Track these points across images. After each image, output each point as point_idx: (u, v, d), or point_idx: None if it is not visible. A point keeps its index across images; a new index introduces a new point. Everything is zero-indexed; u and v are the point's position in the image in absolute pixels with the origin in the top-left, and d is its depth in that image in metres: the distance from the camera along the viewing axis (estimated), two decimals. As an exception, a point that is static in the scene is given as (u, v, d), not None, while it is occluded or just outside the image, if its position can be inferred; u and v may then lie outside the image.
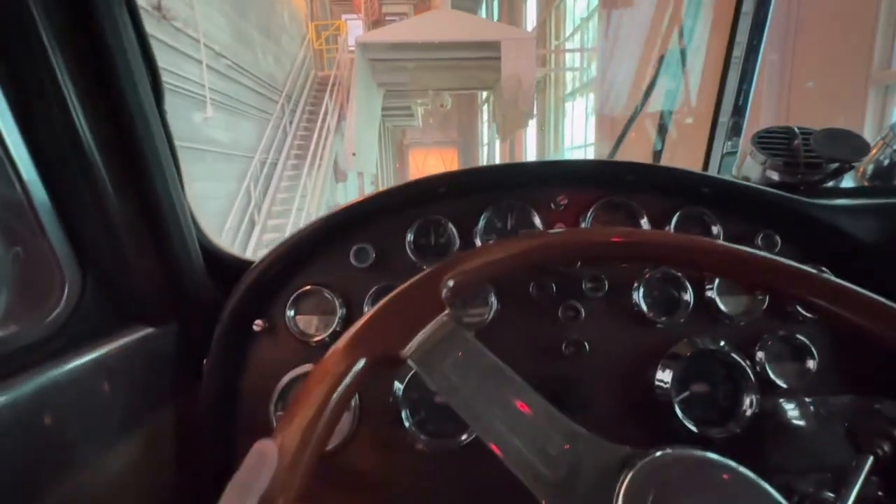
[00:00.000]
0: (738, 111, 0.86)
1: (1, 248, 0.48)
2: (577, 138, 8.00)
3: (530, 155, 10.25)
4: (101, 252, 0.49)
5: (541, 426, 0.31)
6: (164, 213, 0.51)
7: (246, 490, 0.24)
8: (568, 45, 8.43)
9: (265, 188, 5.84)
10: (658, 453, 0.29)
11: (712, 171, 0.93)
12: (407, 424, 0.57)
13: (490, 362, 0.33)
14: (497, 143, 13.06)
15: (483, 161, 14.35)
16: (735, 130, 0.87)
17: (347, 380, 0.29)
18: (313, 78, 8.06)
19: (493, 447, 0.30)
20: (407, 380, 0.58)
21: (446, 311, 0.34)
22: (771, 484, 0.27)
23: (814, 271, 0.36)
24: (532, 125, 9.11)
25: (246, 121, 5.64)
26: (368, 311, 0.33)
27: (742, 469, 0.28)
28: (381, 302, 0.33)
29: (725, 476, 0.28)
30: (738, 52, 0.84)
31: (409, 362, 0.32)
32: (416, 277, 0.35)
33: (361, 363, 0.30)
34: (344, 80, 7.30)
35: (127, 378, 0.50)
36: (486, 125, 14.25)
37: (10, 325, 0.47)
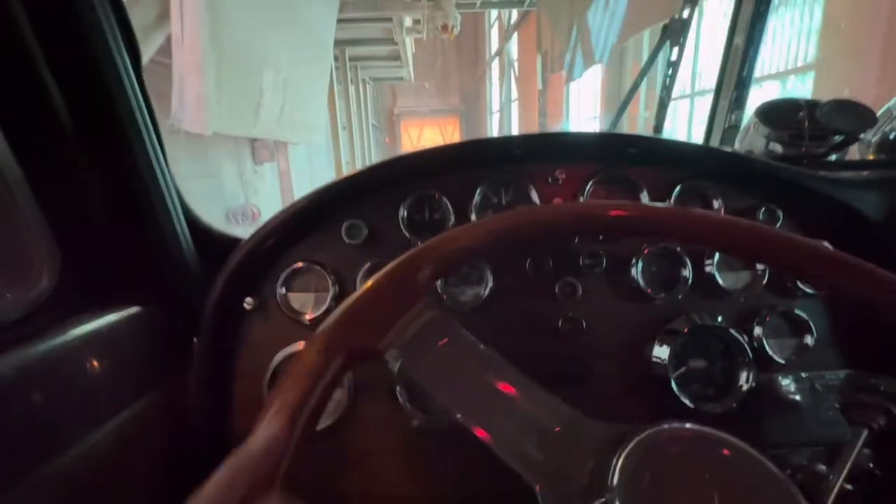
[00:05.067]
0: (742, 84, 0.97)
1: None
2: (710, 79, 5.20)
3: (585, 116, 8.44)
4: (82, 230, 0.59)
5: (530, 410, 0.36)
6: (147, 190, 0.62)
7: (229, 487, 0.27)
8: None
9: None
10: (651, 430, 0.34)
11: (714, 145, 1.05)
12: (402, 401, 0.70)
13: (474, 348, 0.39)
14: (514, 106, 12.60)
15: (493, 133, 14.39)
16: (738, 103, 0.98)
17: (326, 378, 0.33)
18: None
19: (482, 434, 0.35)
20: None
21: (425, 299, 0.39)
22: (766, 457, 0.33)
23: (813, 242, 0.41)
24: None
25: None
26: (344, 303, 0.36)
27: (738, 442, 0.34)
28: (357, 293, 0.37)
29: (722, 450, 0.34)
30: (743, 19, 0.96)
31: (389, 356, 0.36)
32: (391, 265, 0.39)
33: (339, 361, 0.34)
34: None
35: (114, 356, 0.60)
36: (495, 87, 14.19)
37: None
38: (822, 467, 0.67)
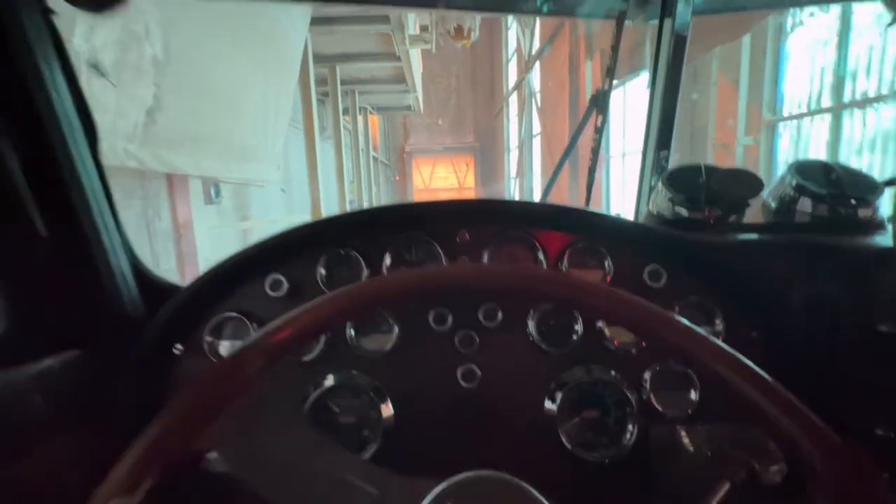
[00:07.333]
0: (664, 145, 1.12)
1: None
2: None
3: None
4: (32, 281, 0.74)
5: (349, 481, 0.46)
6: (93, 241, 0.77)
7: None
8: None
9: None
10: (451, 480, 0.45)
11: (643, 204, 1.19)
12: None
13: (294, 433, 0.49)
14: (536, 142, 12.73)
15: (510, 171, 14.68)
16: (662, 164, 1.12)
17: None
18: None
19: None
20: (312, 399, 0.83)
21: (252, 391, 0.43)
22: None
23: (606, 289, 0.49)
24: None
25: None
26: (168, 406, 0.39)
27: (518, 482, 0.45)
28: (179, 395, 0.40)
29: (507, 491, 0.45)
30: (660, 92, 1.11)
31: (210, 457, 0.40)
32: (216, 364, 0.44)
33: (151, 480, 0.37)
34: None
35: (52, 396, 0.72)
36: (512, 123, 14.56)
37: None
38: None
